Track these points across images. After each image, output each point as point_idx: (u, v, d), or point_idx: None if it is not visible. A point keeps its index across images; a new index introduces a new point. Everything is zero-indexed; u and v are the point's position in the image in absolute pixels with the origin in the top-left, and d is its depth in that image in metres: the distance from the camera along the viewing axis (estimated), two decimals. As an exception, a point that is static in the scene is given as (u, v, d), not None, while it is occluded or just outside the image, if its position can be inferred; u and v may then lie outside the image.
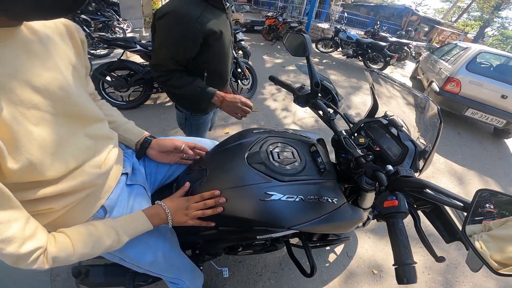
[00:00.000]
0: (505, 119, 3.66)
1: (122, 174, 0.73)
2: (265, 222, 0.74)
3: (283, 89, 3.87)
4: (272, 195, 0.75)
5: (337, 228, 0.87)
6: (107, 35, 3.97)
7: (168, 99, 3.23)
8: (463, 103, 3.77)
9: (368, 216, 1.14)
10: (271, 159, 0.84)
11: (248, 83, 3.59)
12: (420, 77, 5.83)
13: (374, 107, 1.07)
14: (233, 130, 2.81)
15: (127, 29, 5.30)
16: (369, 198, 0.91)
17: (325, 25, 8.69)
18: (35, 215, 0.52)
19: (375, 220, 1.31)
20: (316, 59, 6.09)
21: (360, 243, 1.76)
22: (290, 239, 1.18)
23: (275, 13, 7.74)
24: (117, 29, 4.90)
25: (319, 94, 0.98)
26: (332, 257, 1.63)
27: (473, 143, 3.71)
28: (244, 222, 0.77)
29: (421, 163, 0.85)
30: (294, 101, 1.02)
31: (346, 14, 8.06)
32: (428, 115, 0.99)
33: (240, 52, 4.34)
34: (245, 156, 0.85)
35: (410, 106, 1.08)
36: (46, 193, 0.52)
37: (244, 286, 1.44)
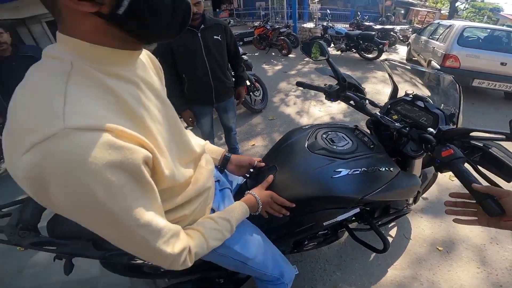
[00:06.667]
0: (512, 83, 3.80)
1: (216, 181, 0.85)
2: (341, 197, 0.85)
3: (292, 94, 4.02)
4: (341, 171, 0.87)
5: (400, 195, 0.98)
6: None
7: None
8: (466, 75, 3.89)
9: (418, 190, 1.23)
10: (329, 144, 0.96)
11: (260, 94, 3.70)
12: (416, 58, 5.99)
13: (395, 90, 1.21)
14: (257, 142, 2.90)
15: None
16: (418, 165, 1.05)
17: (310, 25, 8.91)
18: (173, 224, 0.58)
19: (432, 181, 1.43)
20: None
21: (414, 224, 1.80)
22: (349, 224, 1.26)
23: (261, 22, 7.89)
24: None
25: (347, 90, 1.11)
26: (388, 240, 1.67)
27: (489, 110, 3.80)
28: (320, 202, 0.87)
29: (452, 126, 0.96)
30: (326, 98, 1.16)
31: (328, 11, 8.29)
32: (444, 85, 1.16)
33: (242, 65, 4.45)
34: (306, 146, 0.96)
35: (425, 82, 1.23)
36: (183, 199, 0.61)
37: (311, 283, 1.48)
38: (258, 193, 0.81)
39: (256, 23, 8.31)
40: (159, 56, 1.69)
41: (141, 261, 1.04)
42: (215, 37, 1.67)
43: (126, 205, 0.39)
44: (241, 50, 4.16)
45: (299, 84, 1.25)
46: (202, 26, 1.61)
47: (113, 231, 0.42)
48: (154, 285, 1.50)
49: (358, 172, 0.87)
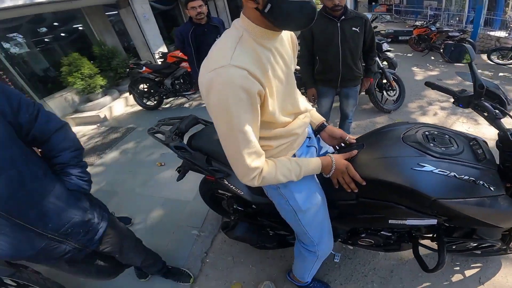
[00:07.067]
0: None
1: (307, 137, 0.97)
2: (411, 189, 0.79)
3: (437, 104, 3.32)
4: (425, 166, 0.80)
5: (488, 216, 0.83)
6: None
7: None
8: None
9: None
10: (427, 141, 0.89)
11: (394, 95, 3.30)
12: None
13: None
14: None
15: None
16: None
17: (501, 33, 6.75)
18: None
19: None
20: (487, 72, 4.77)
21: (502, 272, 1.36)
22: (420, 239, 1.16)
23: (425, 22, 6.82)
24: None
25: (482, 98, 0.96)
26: (456, 278, 1.38)
27: None
28: (391, 190, 0.83)
29: None
30: (454, 103, 1.04)
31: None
32: None
33: (385, 62, 4.02)
34: (401, 136, 0.93)
35: None
36: (275, 134, 0.78)
37: (344, 280, 1.44)
38: (336, 158, 0.88)
39: (418, 23, 7.21)
40: (301, 38, 1.89)
41: (224, 194, 1.26)
42: (353, 28, 1.79)
43: (239, 112, 0.62)
44: (387, 46, 3.81)
45: (428, 84, 1.15)
46: (343, 17, 1.76)
47: (224, 127, 0.65)
48: (222, 220, 1.84)
49: (445, 174, 0.79)
